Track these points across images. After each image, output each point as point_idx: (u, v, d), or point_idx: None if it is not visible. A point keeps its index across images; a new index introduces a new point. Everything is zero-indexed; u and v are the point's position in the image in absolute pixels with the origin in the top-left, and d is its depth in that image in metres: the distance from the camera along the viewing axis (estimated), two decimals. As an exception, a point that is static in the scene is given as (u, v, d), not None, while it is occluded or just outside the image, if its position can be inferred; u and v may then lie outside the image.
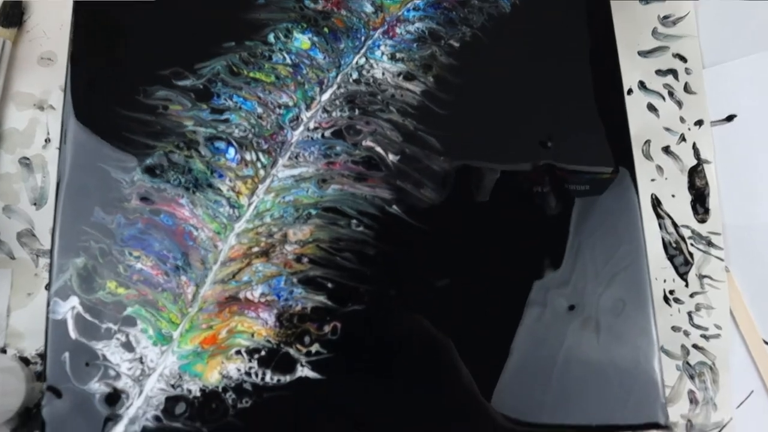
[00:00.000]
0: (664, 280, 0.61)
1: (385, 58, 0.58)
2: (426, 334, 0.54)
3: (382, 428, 0.53)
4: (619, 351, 0.54)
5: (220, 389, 0.52)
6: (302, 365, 0.52)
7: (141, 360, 0.53)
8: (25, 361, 0.59)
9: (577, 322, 0.54)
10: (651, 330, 0.54)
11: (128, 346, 0.53)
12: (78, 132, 0.56)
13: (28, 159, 0.62)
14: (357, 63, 0.58)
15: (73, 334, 0.53)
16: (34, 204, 0.61)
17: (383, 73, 0.57)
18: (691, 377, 0.61)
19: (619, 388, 0.53)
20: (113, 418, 0.52)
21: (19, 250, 0.60)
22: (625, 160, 0.57)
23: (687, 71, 0.66)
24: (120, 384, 0.52)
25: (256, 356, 0.53)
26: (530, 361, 0.54)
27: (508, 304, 0.54)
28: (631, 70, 0.65)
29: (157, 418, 0.52)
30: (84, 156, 0.56)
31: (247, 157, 0.55)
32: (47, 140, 0.61)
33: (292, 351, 0.53)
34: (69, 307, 0.53)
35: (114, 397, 0.52)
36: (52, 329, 0.53)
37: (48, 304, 0.53)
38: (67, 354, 0.52)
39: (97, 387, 0.52)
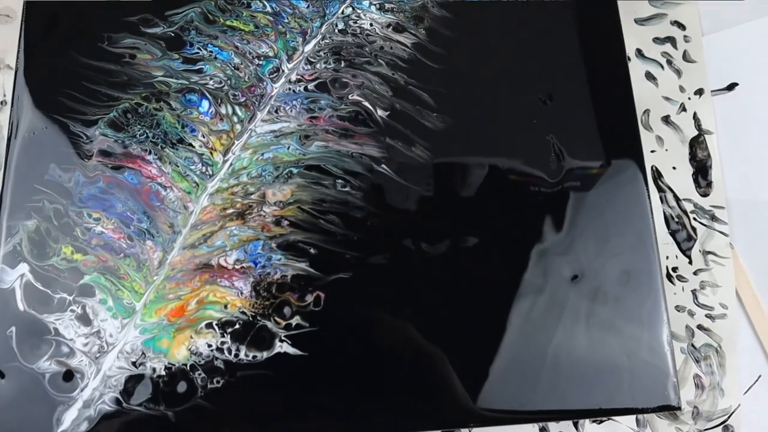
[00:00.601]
0: (667, 257, 0.50)
1: (373, 8, 0.47)
2: (417, 307, 0.42)
3: (367, 410, 0.41)
4: (627, 329, 0.42)
5: (188, 367, 0.40)
6: (281, 340, 0.41)
7: (99, 334, 0.41)
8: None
9: (583, 294, 0.43)
10: (660, 306, 0.43)
11: (84, 319, 0.41)
12: (34, 80, 0.44)
13: (-17, 119, 0.49)
14: (343, 12, 0.46)
15: (21, 305, 0.41)
16: None
17: (371, 24, 0.46)
18: (697, 361, 0.50)
19: (627, 368, 0.42)
20: (66, 402, 0.40)
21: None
22: (630, 131, 0.47)
23: (686, 39, 0.56)
24: (74, 362, 0.40)
25: (230, 330, 0.41)
26: (532, 341, 0.42)
27: (507, 275, 0.43)
28: (629, 37, 0.55)
29: (116, 401, 0.40)
30: (40, 107, 0.44)
31: (222, 110, 0.44)
32: (3, 102, 0.49)
33: (269, 324, 0.41)
34: (18, 275, 0.41)
35: (67, 377, 0.40)
36: None
37: None
38: (13, 328, 0.40)
39: (48, 366, 0.40)
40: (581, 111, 0.46)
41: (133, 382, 0.40)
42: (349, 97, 0.45)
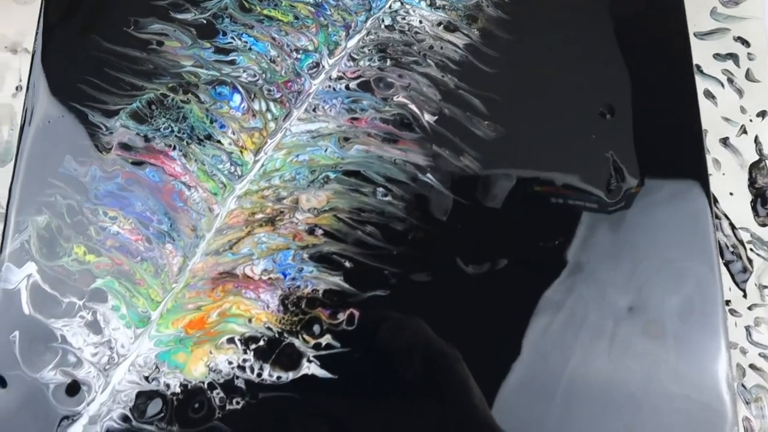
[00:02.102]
0: (719, 288, 0.45)
1: (423, 4, 0.42)
2: (460, 331, 0.37)
3: None
4: (683, 367, 0.37)
5: (205, 385, 0.35)
6: (309, 360, 0.36)
7: (110, 345, 0.36)
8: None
9: (636, 326, 0.38)
10: (721, 343, 0.39)
11: (95, 327, 0.36)
12: (51, 66, 0.39)
13: (-4, 103, 0.45)
14: (390, 7, 0.41)
15: (26, 308, 0.36)
16: None
17: (421, 21, 0.41)
18: (747, 402, 0.45)
19: (682, 410, 0.37)
20: (70, 416, 0.35)
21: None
22: (695, 153, 0.42)
23: (749, 56, 0.51)
24: (81, 373, 0.36)
25: (253, 347, 0.36)
26: (578, 374, 0.37)
27: (556, 302, 0.38)
28: (686, 51, 0.50)
29: (124, 418, 0.35)
30: (57, 94, 0.39)
31: (256, 106, 0.39)
32: (18, 88, 0.44)
33: (297, 342, 0.36)
34: (24, 275, 0.36)
35: (73, 390, 0.36)
36: (1, 301, 0.36)
37: None
38: (17, 333, 0.36)
39: (53, 376, 0.35)
40: (643, 127, 0.41)
41: (144, 398, 0.36)
42: (394, 98, 0.40)
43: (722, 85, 0.51)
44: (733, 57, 0.52)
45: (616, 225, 0.40)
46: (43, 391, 0.36)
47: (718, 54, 0.51)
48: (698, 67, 0.51)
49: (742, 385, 0.46)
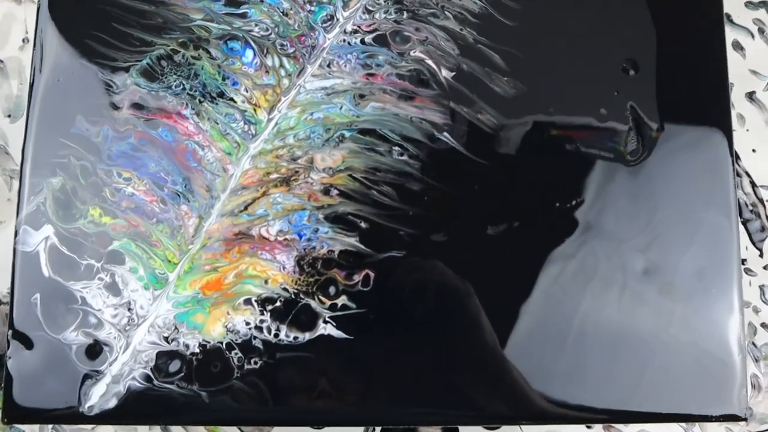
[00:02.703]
0: (736, 245, 0.44)
1: (441, -50, 0.39)
2: (477, 293, 0.36)
3: (415, 399, 0.36)
4: (697, 326, 0.37)
5: (223, 346, 0.35)
6: (325, 321, 0.36)
7: (129, 306, 0.35)
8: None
9: (654, 286, 0.37)
10: (735, 303, 0.37)
11: (113, 289, 0.36)
12: (59, 18, 0.38)
13: (1, 62, 0.43)
14: (407, -46, 0.39)
15: (46, 270, 0.36)
16: (8, 116, 0.43)
17: (438, -31, 0.39)
18: (756, 360, 0.44)
19: (690, 370, 0.36)
20: (93, 376, 0.35)
21: (-8, 165, 0.42)
22: (720, 109, 0.39)
23: (782, 1, 0.48)
24: (102, 334, 0.35)
25: (270, 307, 0.36)
26: (594, 329, 0.36)
27: (575, 262, 0.37)
28: None
29: (146, 377, 0.35)
30: (65, 52, 0.37)
31: (269, 62, 0.37)
32: (25, 40, 0.42)
33: (313, 303, 0.36)
34: (42, 238, 0.36)
35: (95, 350, 0.36)
36: (20, 264, 0.36)
37: (16, 233, 0.36)
38: (38, 295, 0.36)
39: (75, 337, 0.35)
40: (667, 82, 0.39)
41: (165, 358, 0.36)
42: (411, 53, 0.38)
43: (752, 36, 0.48)
44: (766, 5, 0.49)
45: (635, 178, 0.39)
46: (66, 351, 0.36)
47: (749, 2, 0.48)
48: (728, 16, 0.48)
49: (753, 343, 0.46)
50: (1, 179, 0.43)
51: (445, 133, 0.38)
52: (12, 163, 0.43)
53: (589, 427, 0.43)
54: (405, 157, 0.38)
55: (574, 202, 0.39)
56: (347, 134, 0.38)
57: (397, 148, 0.38)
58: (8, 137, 0.43)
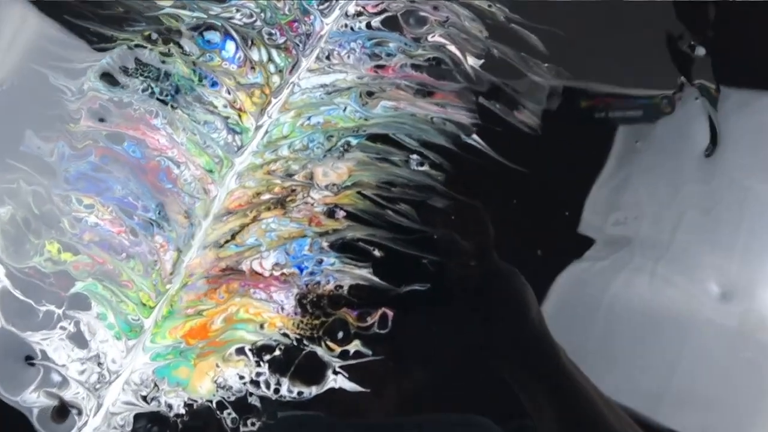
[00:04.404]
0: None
1: None
2: (525, 326, 0.28)
3: None
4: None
5: (214, 405, 0.27)
6: (335, 372, 0.28)
7: (98, 360, 0.28)
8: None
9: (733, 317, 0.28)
10: None
11: (79, 340, 0.28)
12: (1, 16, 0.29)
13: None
14: None
15: None
16: None
17: (460, -68, 0.30)
18: None
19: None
20: None
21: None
22: None
23: None
24: (69, 394, 0.28)
25: (267, 357, 0.28)
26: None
27: (643, 294, 0.28)
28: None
29: None
30: (9, 52, 0.29)
31: (254, 56, 0.29)
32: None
33: (320, 350, 0.28)
34: None
35: (60, 414, 0.28)
36: None
37: None
38: None
39: (35, 398, 0.28)
40: (737, 62, 0.30)
41: (144, 421, 0.28)
42: (429, 38, 0.29)
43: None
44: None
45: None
46: (26, 416, 0.28)
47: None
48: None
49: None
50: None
51: (474, 136, 0.29)
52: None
53: None
54: (426, 168, 0.29)
55: (628, 216, 0.30)
56: (354, 142, 0.29)
57: (415, 156, 0.29)
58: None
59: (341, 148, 0.30)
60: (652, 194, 0.31)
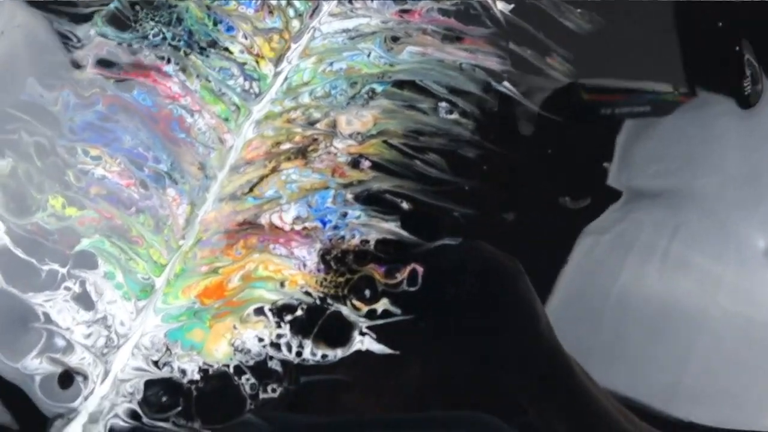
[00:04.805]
0: None
1: None
2: (552, 285, 0.26)
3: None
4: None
5: (231, 369, 0.25)
6: (362, 333, 0.25)
7: (105, 323, 0.25)
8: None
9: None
10: None
11: (84, 301, 0.26)
12: (1, -42, 0.27)
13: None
14: None
15: None
16: None
17: None
18: None
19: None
20: (65, 414, 0.25)
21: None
22: None
23: None
24: (73, 360, 0.25)
25: (288, 318, 0.25)
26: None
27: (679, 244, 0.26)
28: None
29: (132, 414, 0.25)
30: None
31: (272, -1, 0.26)
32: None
33: (345, 310, 0.25)
34: None
35: (65, 381, 0.25)
36: None
37: None
38: None
39: (38, 365, 0.25)
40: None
41: (155, 388, 0.26)
42: (457, -21, 0.27)
43: None
44: None
45: (755, 139, 0.28)
46: (28, 383, 0.26)
47: None
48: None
49: None
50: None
51: (505, 83, 0.27)
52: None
53: None
54: (455, 116, 0.27)
55: (669, 168, 0.28)
56: (378, 89, 0.27)
57: (444, 104, 0.27)
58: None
59: (365, 96, 0.28)
60: (692, 146, 0.29)
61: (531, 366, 0.27)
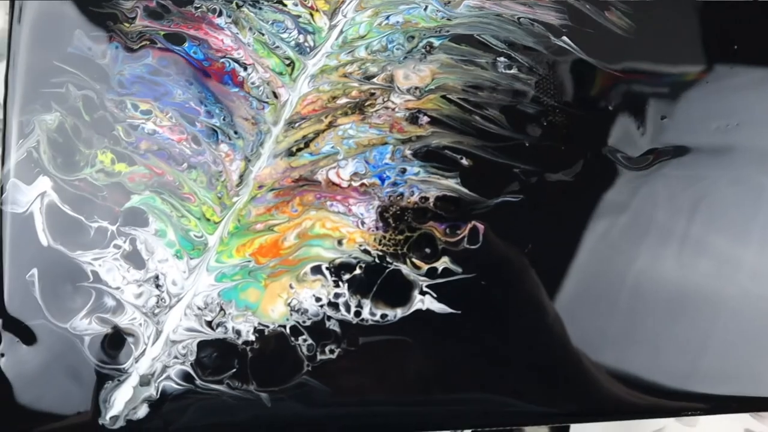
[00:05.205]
0: None
1: None
2: (615, 244, 0.25)
3: (539, 393, 0.24)
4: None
5: (287, 330, 0.23)
6: (422, 292, 0.24)
7: (157, 282, 0.24)
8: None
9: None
10: None
11: (135, 259, 0.24)
12: None
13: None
14: None
15: (43, 238, 0.24)
16: None
17: None
18: None
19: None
20: (115, 376, 0.24)
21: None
22: None
23: None
24: (124, 321, 0.24)
25: (347, 277, 0.24)
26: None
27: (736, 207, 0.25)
28: None
29: (185, 376, 0.24)
30: None
31: (327, -51, 0.25)
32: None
33: (405, 269, 0.24)
34: (36, 194, 0.24)
35: (115, 342, 0.24)
36: (10, 230, 0.25)
37: (1, 191, 0.24)
38: (35, 271, 0.24)
39: (87, 325, 0.24)
40: None
41: (209, 350, 0.24)
42: (516, -70, 0.26)
43: None
44: None
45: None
46: (77, 344, 0.24)
47: None
48: None
49: None
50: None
51: (565, 38, 0.26)
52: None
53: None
54: (514, 71, 0.26)
55: (729, 124, 0.27)
56: (436, 42, 0.26)
57: (502, 59, 0.26)
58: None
59: (423, 50, 0.27)
60: (752, 100, 0.28)
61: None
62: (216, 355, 0.25)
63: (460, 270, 0.26)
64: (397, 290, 0.25)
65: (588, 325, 0.26)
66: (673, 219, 0.27)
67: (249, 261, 0.25)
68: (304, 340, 0.25)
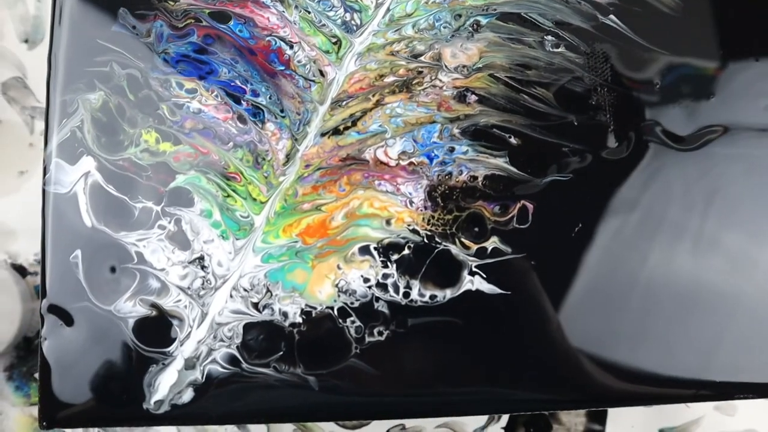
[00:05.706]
0: None
1: None
2: (668, 224, 0.24)
3: (594, 376, 0.24)
4: None
5: (335, 312, 0.23)
6: (471, 272, 0.23)
7: (202, 263, 0.23)
8: (20, 270, 0.29)
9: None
10: None
11: (180, 240, 0.23)
12: None
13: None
14: None
15: (87, 219, 0.24)
16: (26, 41, 0.31)
17: None
18: None
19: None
20: (159, 359, 0.23)
21: (6, 108, 0.30)
22: None
23: None
24: (168, 303, 0.23)
25: (395, 257, 0.23)
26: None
27: None
28: None
29: (231, 360, 0.23)
30: None
31: (372, -73, 0.25)
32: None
33: (454, 249, 0.23)
34: (80, 175, 0.24)
35: (160, 325, 0.23)
36: (53, 211, 0.24)
37: (45, 171, 0.23)
38: (78, 253, 0.23)
39: (131, 308, 0.23)
40: None
41: (255, 332, 0.23)
42: None
43: None
44: None
45: None
46: (121, 327, 0.24)
47: None
48: None
49: None
50: (21, 119, 0.31)
51: (612, 16, 0.25)
52: (33, 100, 0.31)
53: None
54: (562, 49, 0.25)
55: None
56: (483, 21, 0.25)
57: (550, 37, 0.25)
58: (27, 67, 0.31)
59: (470, 28, 0.26)
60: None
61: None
62: (262, 337, 0.24)
63: (509, 250, 0.25)
64: (446, 271, 0.25)
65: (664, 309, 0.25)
66: (724, 197, 0.26)
67: (296, 241, 0.25)
68: (352, 322, 0.24)
